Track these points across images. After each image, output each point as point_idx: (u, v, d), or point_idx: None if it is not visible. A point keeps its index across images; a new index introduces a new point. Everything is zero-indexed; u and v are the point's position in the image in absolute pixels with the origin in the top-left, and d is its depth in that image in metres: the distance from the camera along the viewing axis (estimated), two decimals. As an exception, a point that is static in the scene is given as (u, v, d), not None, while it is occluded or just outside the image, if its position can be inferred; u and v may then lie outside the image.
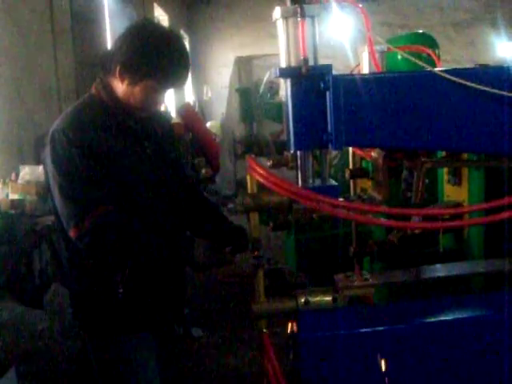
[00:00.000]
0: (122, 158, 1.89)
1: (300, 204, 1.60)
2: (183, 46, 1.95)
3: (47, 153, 1.86)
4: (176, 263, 2.03)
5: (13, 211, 3.86)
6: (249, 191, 1.73)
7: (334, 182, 1.68)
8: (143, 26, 1.97)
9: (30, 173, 4.24)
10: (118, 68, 1.87)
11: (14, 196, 4.03)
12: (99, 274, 1.94)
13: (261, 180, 1.62)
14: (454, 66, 1.83)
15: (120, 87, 1.90)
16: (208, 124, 10.48)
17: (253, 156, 1.74)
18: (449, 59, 10.34)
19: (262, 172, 1.62)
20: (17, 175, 4.27)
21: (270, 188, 1.60)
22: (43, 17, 5.57)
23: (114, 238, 1.83)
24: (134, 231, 1.87)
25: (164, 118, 2.31)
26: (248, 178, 1.73)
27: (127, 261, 1.89)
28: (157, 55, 1.85)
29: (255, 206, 1.70)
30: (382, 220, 1.82)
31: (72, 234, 1.81)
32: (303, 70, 1.50)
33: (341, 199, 1.68)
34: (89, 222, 1.79)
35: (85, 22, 6.81)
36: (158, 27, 1.97)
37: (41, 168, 4.24)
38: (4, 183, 4.12)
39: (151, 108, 1.98)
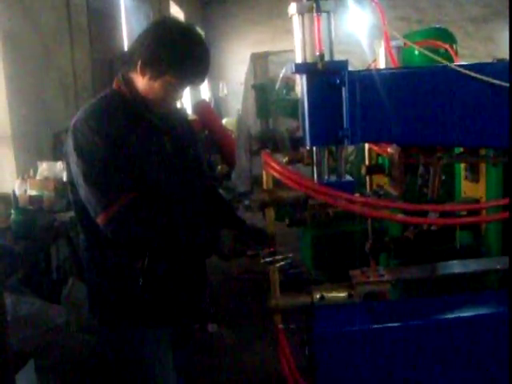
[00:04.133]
0: (141, 151, 1.90)
1: (316, 199, 1.60)
2: (205, 44, 1.95)
3: (69, 144, 1.88)
4: (202, 254, 2.04)
5: (31, 207, 3.91)
6: (264, 187, 1.73)
7: (350, 178, 1.67)
8: (166, 22, 1.98)
9: (48, 169, 4.29)
10: (139, 63, 1.88)
11: (32, 192, 4.07)
12: (119, 266, 1.95)
13: (276, 175, 1.62)
14: (472, 61, 1.81)
15: (141, 82, 1.92)
16: (224, 121, 10.49)
17: (268, 151, 1.73)
18: (467, 54, 10.23)
19: (277, 167, 1.62)
20: (35, 171, 4.32)
21: (285, 183, 1.60)
22: (60, 14, 5.60)
23: (141, 224, 1.86)
24: (162, 219, 1.89)
25: (182, 114, 2.31)
26: (264, 173, 1.73)
27: (152, 248, 1.91)
28: (178, 52, 1.86)
29: (271, 202, 1.70)
30: (399, 216, 1.81)
31: (100, 220, 1.83)
32: (319, 65, 1.50)
33: (357, 195, 1.67)
34: (117, 208, 1.81)
35: (101, 18, 6.85)
36: (180, 24, 1.99)
37: (59, 164, 4.28)
38: (23, 179, 4.17)
39: (170, 104, 2.01)
